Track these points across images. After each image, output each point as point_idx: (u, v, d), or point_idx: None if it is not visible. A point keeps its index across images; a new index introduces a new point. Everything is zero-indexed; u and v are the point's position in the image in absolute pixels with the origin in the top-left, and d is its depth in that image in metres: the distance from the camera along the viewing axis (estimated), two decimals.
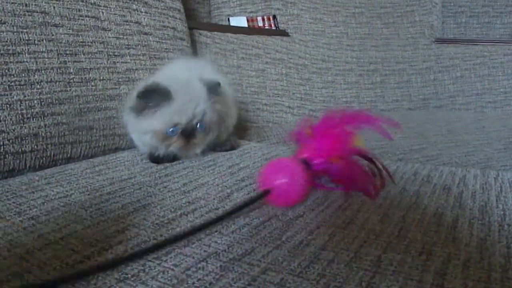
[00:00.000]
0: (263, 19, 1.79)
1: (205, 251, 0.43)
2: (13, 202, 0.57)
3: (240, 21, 1.78)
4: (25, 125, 0.77)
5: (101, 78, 0.92)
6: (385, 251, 0.43)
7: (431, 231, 0.48)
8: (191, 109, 0.75)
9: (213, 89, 0.79)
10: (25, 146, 0.77)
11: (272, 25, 1.79)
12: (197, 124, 0.77)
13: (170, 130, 0.75)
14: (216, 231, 0.48)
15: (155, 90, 0.74)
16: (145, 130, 0.77)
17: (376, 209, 0.54)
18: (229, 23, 1.78)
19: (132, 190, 0.62)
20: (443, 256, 0.42)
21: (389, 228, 0.48)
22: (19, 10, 0.81)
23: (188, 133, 0.76)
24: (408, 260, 0.41)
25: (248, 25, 1.79)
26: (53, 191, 0.62)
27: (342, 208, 0.55)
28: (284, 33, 1.78)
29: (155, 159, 0.78)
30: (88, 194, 0.60)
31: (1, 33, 0.78)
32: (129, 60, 0.99)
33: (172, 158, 0.79)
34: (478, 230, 0.48)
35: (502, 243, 0.45)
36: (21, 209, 0.55)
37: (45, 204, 0.57)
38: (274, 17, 1.79)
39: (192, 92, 0.77)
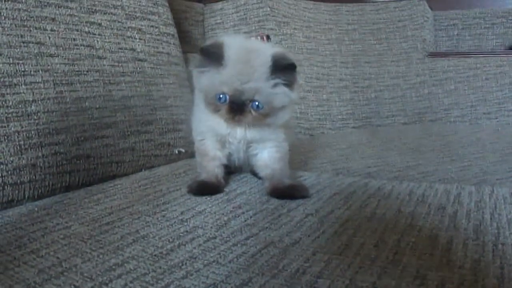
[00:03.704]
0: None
1: (203, 282, 0.44)
2: (13, 235, 0.58)
3: None
4: (23, 156, 0.78)
5: (97, 106, 0.93)
6: (380, 277, 0.43)
7: (425, 254, 0.48)
8: (240, 82, 0.67)
9: (282, 68, 0.69)
10: (24, 177, 0.77)
11: None
12: (248, 101, 0.69)
13: (219, 96, 0.69)
14: (214, 261, 0.48)
15: (212, 49, 0.70)
16: (199, 88, 0.74)
17: (371, 234, 0.55)
18: None
19: (131, 219, 0.62)
20: (437, 280, 0.43)
21: (384, 253, 0.49)
22: (14, 42, 0.82)
23: (236, 108, 0.69)
24: (402, 286, 0.42)
25: None
26: (52, 222, 0.62)
27: (337, 234, 0.55)
28: None
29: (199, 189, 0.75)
30: (87, 225, 0.61)
31: None
32: (124, 88, 1.00)
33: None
34: (472, 251, 0.49)
35: (496, 264, 0.46)
36: (21, 242, 0.55)
37: (45, 236, 0.57)
38: (268, 37, 1.81)
39: (249, 63, 0.68)
